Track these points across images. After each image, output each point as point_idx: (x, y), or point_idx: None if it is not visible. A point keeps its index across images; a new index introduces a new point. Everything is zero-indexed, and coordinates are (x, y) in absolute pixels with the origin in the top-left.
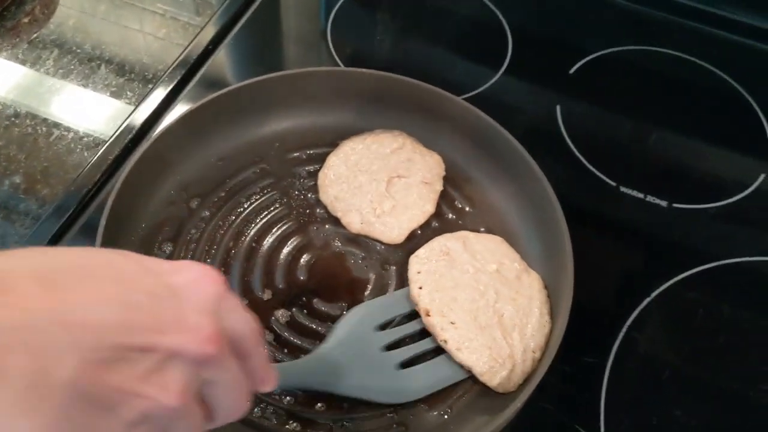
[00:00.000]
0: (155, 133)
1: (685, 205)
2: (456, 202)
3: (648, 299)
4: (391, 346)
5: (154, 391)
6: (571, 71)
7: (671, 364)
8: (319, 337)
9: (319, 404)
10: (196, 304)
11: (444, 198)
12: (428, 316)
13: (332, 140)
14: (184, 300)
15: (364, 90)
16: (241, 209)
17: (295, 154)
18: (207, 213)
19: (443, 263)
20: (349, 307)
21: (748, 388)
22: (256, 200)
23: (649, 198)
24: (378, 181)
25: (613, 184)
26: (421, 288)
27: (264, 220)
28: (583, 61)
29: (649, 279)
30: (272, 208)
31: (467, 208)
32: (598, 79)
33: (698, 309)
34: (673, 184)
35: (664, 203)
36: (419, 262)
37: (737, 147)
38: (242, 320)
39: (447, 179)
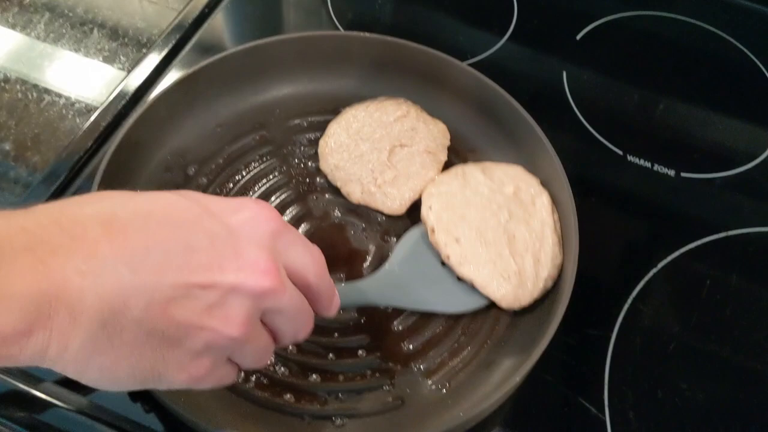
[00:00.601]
0: (151, 97)
1: (693, 175)
2: None
3: (654, 270)
4: None
5: (216, 324)
6: (578, 37)
7: (677, 337)
8: None
9: (314, 376)
10: (253, 241)
11: (448, 168)
12: (433, 233)
13: (334, 107)
14: (241, 238)
15: (367, 55)
16: (239, 177)
17: (296, 122)
18: (204, 180)
19: (457, 184)
20: (347, 278)
21: (755, 361)
22: (255, 168)
23: (657, 167)
24: (380, 150)
25: (620, 152)
26: (430, 207)
27: (262, 188)
28: (590, 27)
29: (655, 249)
30: (271, 177)
31: None
32: (605, 46)
33: (705, 280)
34: (681, 153)
35: (671, 172)
36: (434, 185)
37: (747, 115)
38: (302, 253)
39: (452, 149)
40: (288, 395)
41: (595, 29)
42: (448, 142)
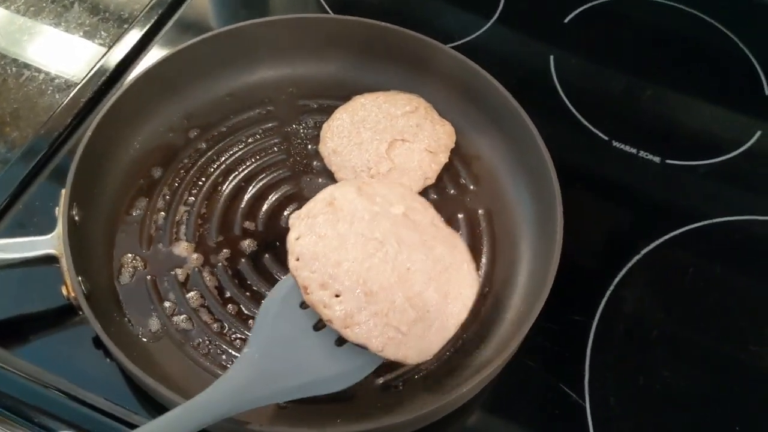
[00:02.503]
0: (169, 52)
1: (678, 162)
2: (461, 179)
3: (637, 257)
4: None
5: None
6: (566, 20)
7: (659, 324)
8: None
9: None
10: None
11: (449, 171)
12: (307, 292)
13: (347, 94)
14: None
15: (388, 48)
16: (238, 148)
17: (306, 102)
18: (204, 145)
19: (325, 219)
20: None
21: (737, 349)
22: (256, 141)
23: (642, 153)
24: (380, 141)
25: (606, 138)
26: (298, 260)
27: (259, 161)
28: (578, 10)
29: (638, 236)
30: (270, 152)
31: (471, 187)
32: (593, 30)
33: (688, 268)
34: (666, 139)
35: (657, 159)
36: (300, 224)
37: (734, 103)
38: None
39: (457, 154)
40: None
41: (584, 13)
42: (452, 144)
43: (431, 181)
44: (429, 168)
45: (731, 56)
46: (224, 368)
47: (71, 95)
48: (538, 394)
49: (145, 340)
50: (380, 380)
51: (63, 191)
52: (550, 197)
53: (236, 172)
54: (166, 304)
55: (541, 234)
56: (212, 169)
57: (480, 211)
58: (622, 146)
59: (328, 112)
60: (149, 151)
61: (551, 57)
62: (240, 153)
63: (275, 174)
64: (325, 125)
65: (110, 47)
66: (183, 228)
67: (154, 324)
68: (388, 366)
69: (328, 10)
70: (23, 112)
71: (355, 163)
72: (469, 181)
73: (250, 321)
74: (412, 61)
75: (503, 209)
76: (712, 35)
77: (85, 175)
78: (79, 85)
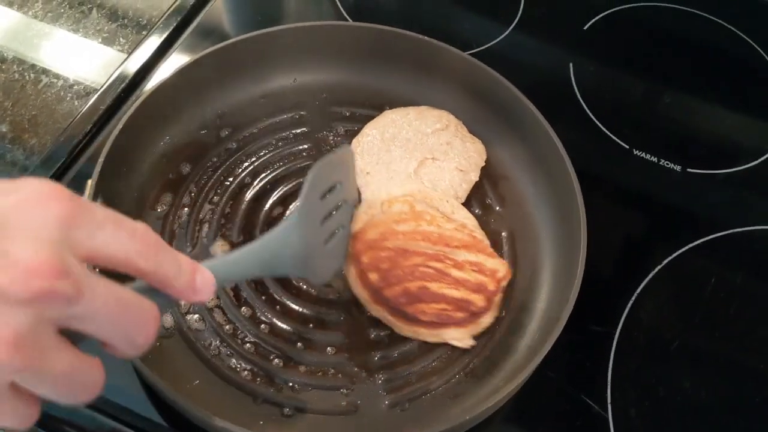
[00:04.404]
0: (206, 51)
1: (699, 170)
2: (487, 199)
3: (658, 267)
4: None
5: None
6: (585, 27)
7: (680, 334)
8: (298, 293)
9: (276, 360)
10: (25, 232)
11: (476, 191)
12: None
13: (380, 104)
14: (9, 228)
15: (418, 58)
16: (267, 151)
17: (338, 109)
18: (234, 145)
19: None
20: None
21: (758, 360)
22: (285, 145)
23: (663, 162)
24: (409, 160)
25: (627, 147)
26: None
27: (287, 166)
28: (597, 17)
29: (659, 246)
30: (298, 157)
31: (497, 207)
32: (613, 37)
33: (710, 278)
34: (687, 148)
35: (677, 168)
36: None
37: (754, 111)
38: (115, 234)
39: (485, 173)
40: (246, 373)
41: (603, 19)
42: (482, 163)
43: (461, 200)
44: (459, 187)
45: (751, 63)
46: (232, 370)
47: (90, 102)
48: (559, 405)
49: None
50: (387, 399)
51: (89, 182)
52: (575, 225)
53: (263, 175)
54: (181, 301)
55: (563, 261)
56: (240, 170)
57: (503, 234)
58: (643, 155)
59: (359, 120)
60: (180, 146)
61: (571, 64)
62: (269, 156)
63: (301, 179)
64: (354, 141)
65: (129, 54)
66: (206, 227)
67: (167, 320)
68: (397, 385)
69: (347, 17)
70: (42, 119)
71: (383, 187)
72: (495, 201)
73: (263, 325)
74: (436, 70)
75: (527, 232)
76: (732, 42)
77: (113, 167)
78: (99, 92)
